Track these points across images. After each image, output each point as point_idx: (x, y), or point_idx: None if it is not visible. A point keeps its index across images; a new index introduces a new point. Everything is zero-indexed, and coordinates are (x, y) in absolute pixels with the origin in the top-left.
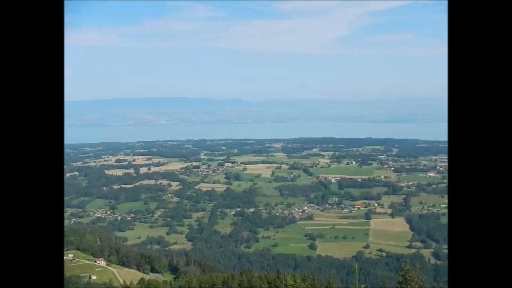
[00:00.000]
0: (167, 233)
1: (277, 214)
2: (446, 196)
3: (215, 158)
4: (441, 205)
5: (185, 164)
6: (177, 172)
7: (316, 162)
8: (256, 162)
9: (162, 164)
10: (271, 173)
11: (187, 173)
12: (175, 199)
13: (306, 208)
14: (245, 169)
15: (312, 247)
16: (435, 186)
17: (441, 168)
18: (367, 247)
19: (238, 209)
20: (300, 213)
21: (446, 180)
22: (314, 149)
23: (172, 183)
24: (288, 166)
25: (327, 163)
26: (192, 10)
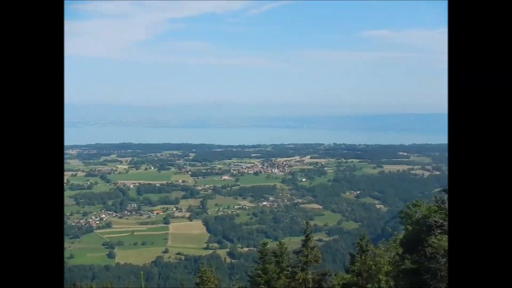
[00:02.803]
0: None
1: (73, 223)
2: (239, 198)
3: None
4: (235, 206)
5: None
6: None
7: (114, 168)
8: None
9: None
10: (66, 181)
11: None
12: None
13: (103, 216)
14: None
15: (110, 255)
16: (229, 188)
17: (234, 172)
18: (166, 251)
19: None
20: (97, 222)
21: (239, 183)
22: (112, 155)
23: None
24: (84, 173)
25: (125, 169)
26: None
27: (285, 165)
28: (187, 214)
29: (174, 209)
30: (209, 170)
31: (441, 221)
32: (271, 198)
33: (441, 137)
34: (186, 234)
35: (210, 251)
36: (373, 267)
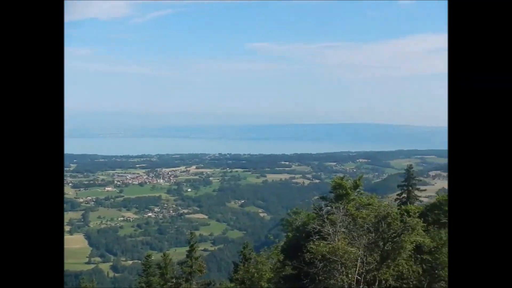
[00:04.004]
0: None
1: None
2: (123, 209)
3: None
4: (119, 219)
5: None
6: None
7: None
8: None
9: None
10: None
11: None
12: None
13: None
14: None
15: None
16: (112, 200)
17: (118, 182)
18: None
19: None
20: None
21: (123, 194)
22: None
23: None
24: None
25: None
26: None
27: (170, 175)
28: (68, 228)
29: None
30: (91, 182)
31: (319, 227)
32: (156, 209)
33: (320, 146)
34: (66, 249)
35: (92, 266)
36: (255, 274)
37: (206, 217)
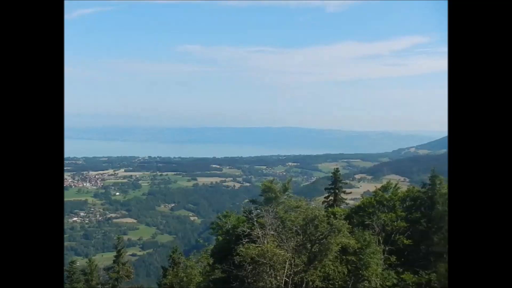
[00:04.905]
0: None
1: None
2: None
3: None
4: None
5: None
6: None
7: None
8: None
9: None
10: None
11: None
12: None
13: None
14: None
15: None
16: None
17: None
18: None
19: None
20: None
21: None
22: None
23: None
24: None
25: None
26: None
27: (97, 179)
28: None
29: None
30: None
31: (248, 230)
32: (82, 214)
33: (251, 150)
34: None
35: None
36: (184, 279)
37: (135, 221)
